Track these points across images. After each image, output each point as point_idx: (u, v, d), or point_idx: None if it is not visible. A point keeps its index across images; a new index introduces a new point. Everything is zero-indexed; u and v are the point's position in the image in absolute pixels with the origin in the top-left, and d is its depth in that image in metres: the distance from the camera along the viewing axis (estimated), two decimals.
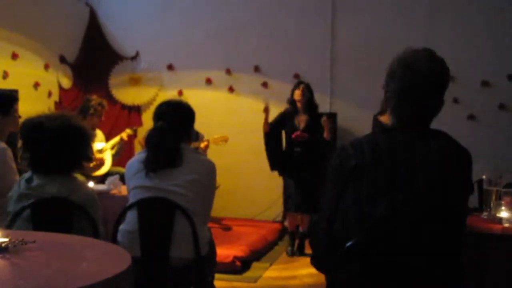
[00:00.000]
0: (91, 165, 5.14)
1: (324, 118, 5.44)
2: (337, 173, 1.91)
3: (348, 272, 1.85)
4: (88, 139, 2.74)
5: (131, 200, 2.97)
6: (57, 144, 2.59)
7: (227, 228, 6.22)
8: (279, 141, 5.63)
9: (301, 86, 5.48)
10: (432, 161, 1.82)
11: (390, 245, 1.79)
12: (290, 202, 5.49)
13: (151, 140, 3.00)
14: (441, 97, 1.92)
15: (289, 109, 5.55)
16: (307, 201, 5.41)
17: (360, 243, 1.80)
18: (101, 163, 5.29)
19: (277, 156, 5.59)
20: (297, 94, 5.46)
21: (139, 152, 3.21)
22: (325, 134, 5.38)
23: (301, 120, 5.46)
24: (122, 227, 2.94)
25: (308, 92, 5.48)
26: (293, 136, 5.40)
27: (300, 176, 5.42)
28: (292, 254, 5.52)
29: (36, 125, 2.64)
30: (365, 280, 1.82)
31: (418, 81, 1.87)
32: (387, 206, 1.79)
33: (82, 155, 2.71)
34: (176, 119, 3.06)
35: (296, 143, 5.41)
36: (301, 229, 5.61)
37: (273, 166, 5.63)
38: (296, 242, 5.60)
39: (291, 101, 5.52)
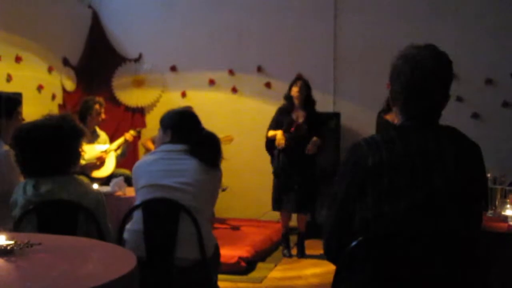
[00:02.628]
0: (91, 163, 5.18)
1: (314, 139, 5.29)
2: (353, 173, 1.87)
3: (361, 271, 1.84)
4: (71, 134, 2.70)
5: (140, 198, 2.98)
6: (39, 143, 2.60)
7: (236, 228, 6.23)
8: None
9: (299, 83, 5.44)
10: (448, 157, 1.83)
11: (411, 242, 1.78)
12: (280, 201, 5.44)
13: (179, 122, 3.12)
14: (447, 91, 1.93)
15: (283, 107, 5.49)
16: (304, 201, 5.40)
17: (378, 239, 1.80)
18: (101, 162, 5.31)
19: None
20: (295, 91, 5.40)
21: (148, 153, 3.26)
22: (309, 148, 5.28)
23: (300, 115, 5.40)
24: (129, 226, 2.96)
25: (305, 88, 5.42)
26: (292, 129, 5.32)
27: (295, 175, 5.37)
28: (289, 255, 5.48)
29: (19, 130, 2.68)
30: (380, 280, 1.81)
31: (426, 77, 1.88)
32: (408, 204, 1.78)
33: (68, 151, 2.68)
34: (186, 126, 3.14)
35: (294, 137, 5.32)
36: (302, 229, 5.58)
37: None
38: (294, 243, 5.58)
39: (288, 97, 5.46)
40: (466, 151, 1.88)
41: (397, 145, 1.85)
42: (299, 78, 5.59)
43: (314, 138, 5.29)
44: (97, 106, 5.42)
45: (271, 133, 5.45)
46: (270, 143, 5.52)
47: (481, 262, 1.89)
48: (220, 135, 5.71)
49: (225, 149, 5.86)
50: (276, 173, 5.49)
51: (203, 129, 3.22)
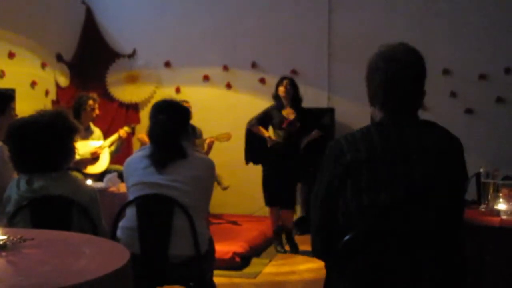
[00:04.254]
0: (85, 159, 5.17)
1: (316, 132, 5.42)
2: (332, 168, 1.91)
3: (348, 266, 1.85)
4: (65, 130, 2.70)
5: (131, 196, 2.97)
6: (33, 139, 2.60)
7: (230, 223, 6.25)
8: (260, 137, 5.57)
9: (284, 82, 5.44)
10: (427, 151, 1.85)
11: (391, 236, 1.80)
12: (272, 196, 5.45)
13: (155, 135, 3.01)
14: (423, 86, 1.96)
15: (273, 106, 5.53)
16: (290, 196, 5.42)
17: (360, 234, 1.81)
18: (96, 157, 5.31)
19: (256, 150, 5.60)
20: (281, 91, 5.42)
21: (139, 149, 3.23)
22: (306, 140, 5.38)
23: (289, 113, 5.42)
24: (121, 223, 2.95)
25: (291, 87, 5.43)
26: (283, 125, 5.34)
27: (284, 169, 5.38)
28: (284, 251, 5.46)
29: (12, 126, 2.68)
30: (366, 272, 1.82)
31: (402, 70, 1.92)
32: (387, 198, 1.79)
33: (62, 147, 2.68)
34: (173, 116, 3.08)
35: (286, 133, 5.36)
36: (290, 226, 5.57)
37: (248, 159, 5.71)
38: (284, 239, 5.58)
39: (276, 96, 5.48)
40: (445, 144, 1.90)
41: (376, 140, 1.88)
42: (284, 77, 5.57)
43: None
44: (91, 102, 5.41)
45: (263, 131, 5.49)
46: (252, 135, 5.56)
47: (465, 254, 1.91)
48: (216, 132, 5.78)
49: (219, 145, 5.92)
50: (266, 169, 5.50)
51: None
